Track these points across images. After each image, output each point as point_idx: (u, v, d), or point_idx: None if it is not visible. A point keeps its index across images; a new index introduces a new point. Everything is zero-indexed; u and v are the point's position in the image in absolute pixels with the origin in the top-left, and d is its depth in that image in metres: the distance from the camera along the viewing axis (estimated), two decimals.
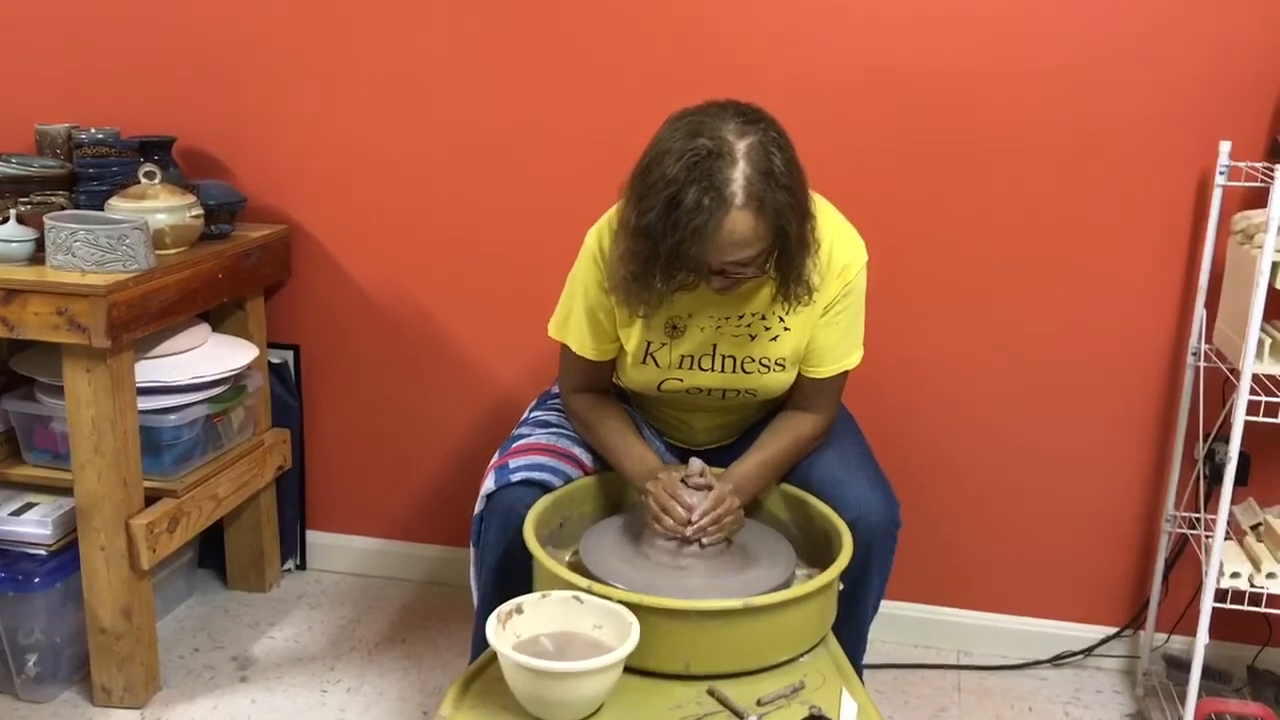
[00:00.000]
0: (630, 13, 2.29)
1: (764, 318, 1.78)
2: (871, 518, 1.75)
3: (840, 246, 1.77)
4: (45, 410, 2.21)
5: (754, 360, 1.80)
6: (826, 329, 1.80)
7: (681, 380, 1.83)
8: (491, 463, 1.85)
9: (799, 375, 1.84)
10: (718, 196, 1.54)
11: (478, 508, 1.82)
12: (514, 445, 1.87)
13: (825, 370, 1.83)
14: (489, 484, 1.81)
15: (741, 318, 1.78)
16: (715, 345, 1.80)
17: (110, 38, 2.52)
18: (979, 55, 2.20)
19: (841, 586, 1.69)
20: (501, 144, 2.42)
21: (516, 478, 1.79)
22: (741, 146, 1.56)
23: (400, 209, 2.50)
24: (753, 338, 1.79)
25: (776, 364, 1.81)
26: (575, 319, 1.84)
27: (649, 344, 1.81)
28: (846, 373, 1.86)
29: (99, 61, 2.54)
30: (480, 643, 1.81)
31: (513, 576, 1.74)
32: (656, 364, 1.82)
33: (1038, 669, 2.44)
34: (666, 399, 1.90)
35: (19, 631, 2.15)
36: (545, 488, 1.80)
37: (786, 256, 1.64)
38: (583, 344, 1.85)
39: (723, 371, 1.81)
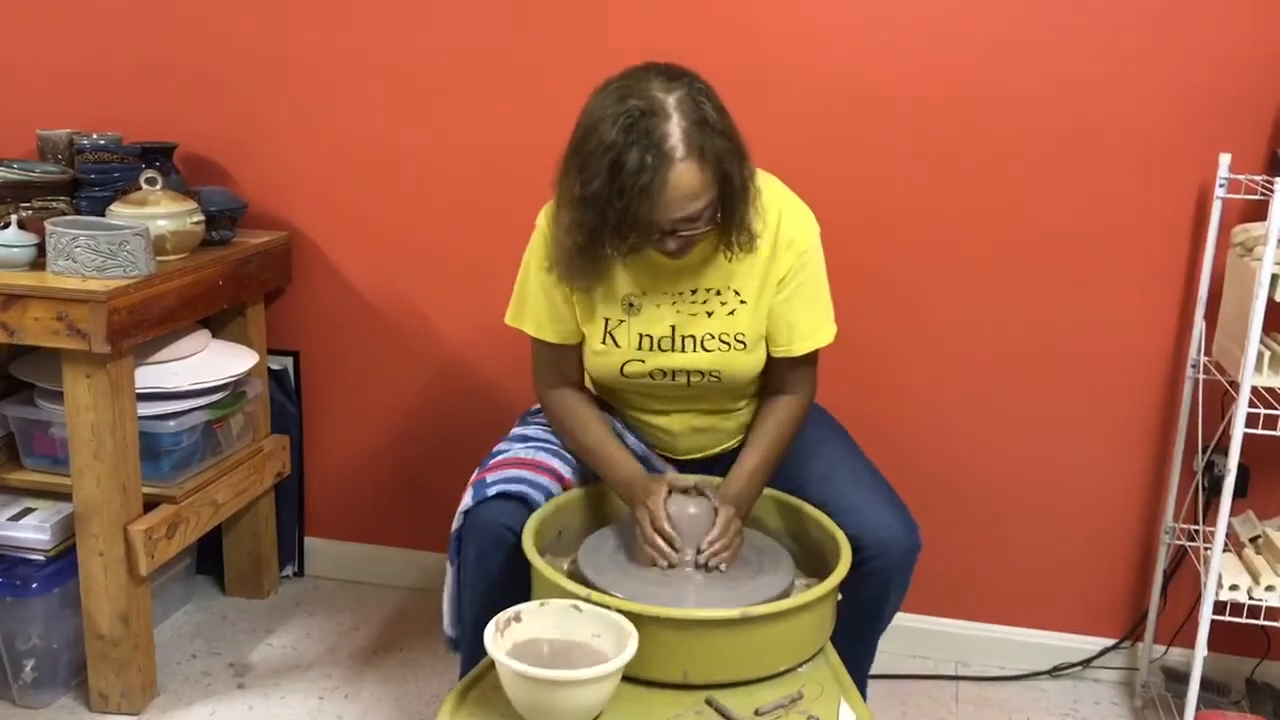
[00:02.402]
0: (631, 23, 2.30)
1: (719, 293, 1.78)
2: (896, 545, 1.74)
3: (789, 219, 1.77)
4: (44, 415, 2.21)
5: (714, 337, 1.79)
6: (789, 304, 1.79)
7: (644, 362, 1.81)
8: (470, 479, 1.83)
9: (772, 359, 1.83)
10: (658, 153, 1.55)
11: (455, 524, 1.80)
12: (493, 460, 1.85)
13: (799, 348, 1.82)
14: (466, 500, 1.78)
15: (695, 292, 1.78)
16: (674, 327, 1.79)
17: (112, 44, 2.53)
18: (978, 68, 2.21)
19: (840, 597, 1.69)
20: (502, 151, 2.42)
21: (493, 492, 1.76)
22: (671, 101, 1.57)
23: (401, 216, 2.50)
24: (710, 314, 1.79)
25: (737, 340, 1.79)
26: (531, 302, 1.83)
27: (607, 320, 1.80)
28: (819, 349, 1.85)
29: (101, 68, 2.55)
30: (471, 663, 1.78)
31: (499, 595, 1.70)
32: (616, 343, 1.81)
33: (1036, 680, 2.44)
34: (634, 391, 1.88)
35: (16, 637, 2.15)
36: (524, 501, 1.77)
37: (729, 204, 1.65)
38: (540, 326, 1.84)
39: (684, 351, 1.80)
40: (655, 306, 1.79)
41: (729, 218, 1.67)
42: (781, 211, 1.76)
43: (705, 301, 1.79)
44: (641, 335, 1.80)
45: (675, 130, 1.56)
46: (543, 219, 1.82)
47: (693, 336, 1.80)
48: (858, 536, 1.73)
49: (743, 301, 1.79)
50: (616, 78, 1.64)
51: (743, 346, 1.80)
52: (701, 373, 1.82)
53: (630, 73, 1.63)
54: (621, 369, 1.83)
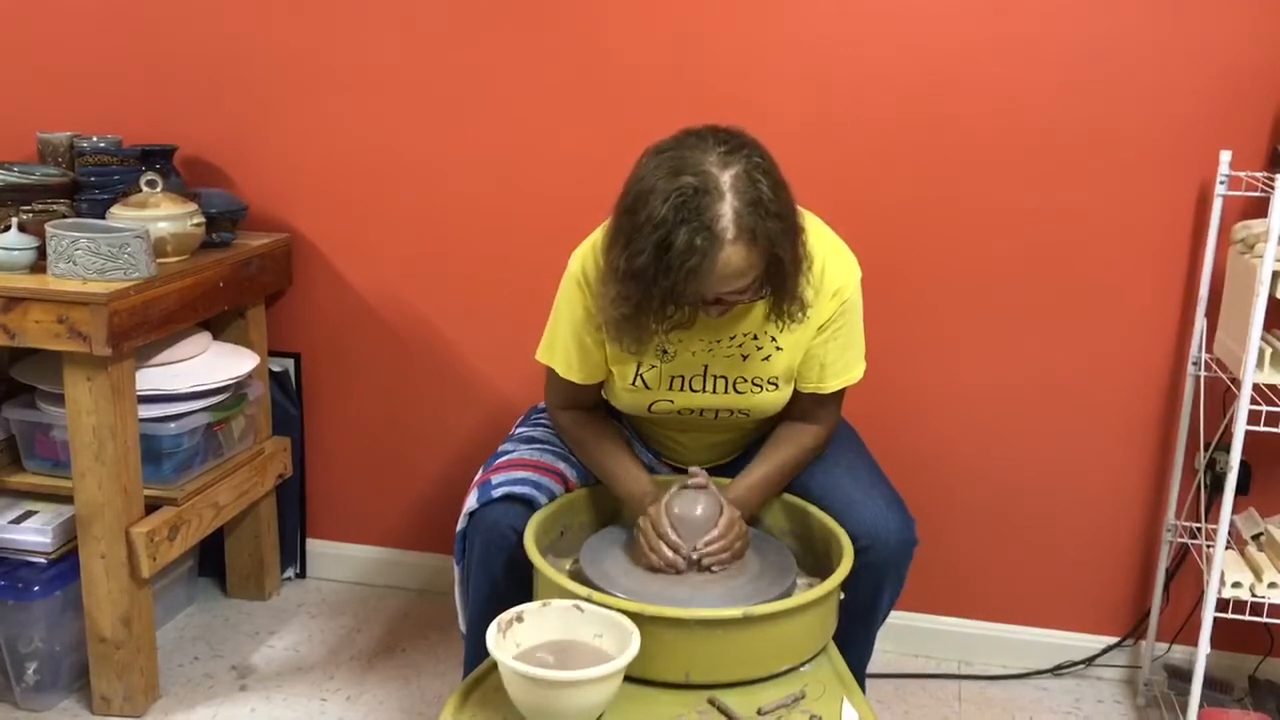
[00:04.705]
0: (629, 25, 2.30)
1: (755, 337, 1.76)
2: (889, 539, 1.73)
3: (833, 267, 1.74)
4: (46, 418, 2.21)
5: (746, 380, 1.78)
6: (825, 346, 1.78)
7: (673, 401, 1.81)
8: (475, 479, 1.83)
9: (799, 390, 1.82)
10: (709, 235, 1.50)
11: (460, 524, 1.80)
12: (498, 461, 1.85)
13: (829, 386, 1.81)
14: (471, 501, 1.78)
15: (733, 338, 1.76)
16: (706, 366, 1.78)
17: (112, 47, 2.53)
18: (979, 69, 2.20)
19: (843, 596, 1.69)
20: (502, 154, 2.42)
21: (498, 493, 1.76)
22: (727, 179, 1.52)
23: (401, 217, 2.50)
24: (745, 358, 1.77)
25: (769, 383, 1.79)
26: (561, 343, 1.81)
27: (639, 364, 1.78)
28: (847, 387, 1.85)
29: (101, 70, 2.55)
30: (474, 664, 1.78)
31: (503, 597, 1.71)
32: (646, 385, 1.80)
33: (1039, 679, 2.44)
34: (658, 419, 1.88)
35: (18, 640, 2.15)
36: (529, 503, 1.77)
37: (780, 278, 1.60)
38: (569, 367, 1.82)
39: (714, 392, 1.79)
40: (690, 353, 1.77)
41: (779, 291, 1.62)
42: (826, 260, 1.72)
43: (741, 345, 1.76)
44: (673, 378, 1.79)
45: (728, 211, 1.50)
46: (576, 265, 1.77)
47: (724, 378, 1.78)
48: (853, 530, 1.74)
49: (779, 348, 1.77)
50: (672, 142, 1.57)
51: (774, 388, 1.80)
52: (730, 410, 1.82)
53: (685, 139, 1.57)
54: (649, 407, 1.83)
